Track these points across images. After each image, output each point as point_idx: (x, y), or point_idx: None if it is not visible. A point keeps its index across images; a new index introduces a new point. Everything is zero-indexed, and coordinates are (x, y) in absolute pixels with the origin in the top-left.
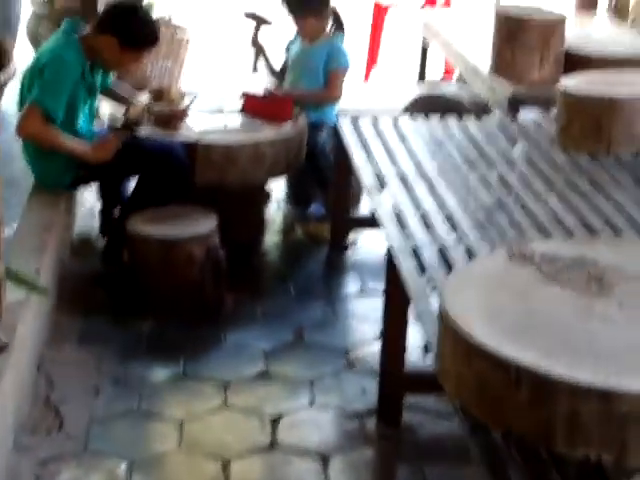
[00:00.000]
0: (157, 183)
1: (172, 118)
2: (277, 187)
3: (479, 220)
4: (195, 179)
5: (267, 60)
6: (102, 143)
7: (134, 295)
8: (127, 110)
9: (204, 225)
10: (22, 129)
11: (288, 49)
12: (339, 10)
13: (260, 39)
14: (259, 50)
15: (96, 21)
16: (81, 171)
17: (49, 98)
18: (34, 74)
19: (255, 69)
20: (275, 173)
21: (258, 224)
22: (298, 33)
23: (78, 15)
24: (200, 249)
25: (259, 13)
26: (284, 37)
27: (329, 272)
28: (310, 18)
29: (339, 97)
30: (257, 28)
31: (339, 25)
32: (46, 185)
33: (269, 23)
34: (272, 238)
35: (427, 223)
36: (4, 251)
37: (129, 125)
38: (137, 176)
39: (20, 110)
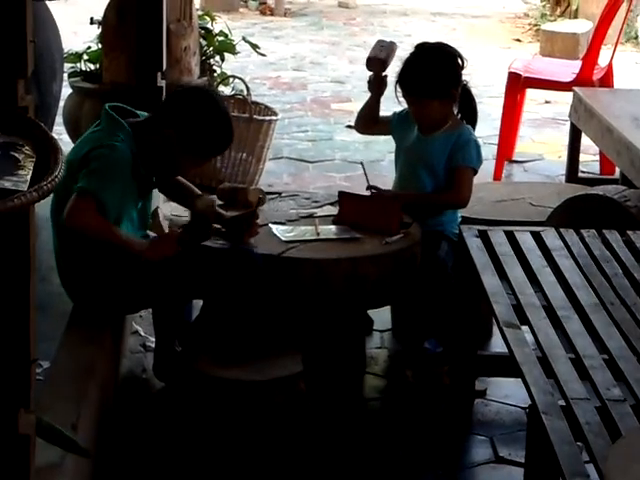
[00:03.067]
0: (229, 308)
1: (247, 225)
2: (380, 316)
3: None
4: (276, 302)
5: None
6: (162, 239)
7: (197, 452)
8: (195, 213)
9: (287, 365)
10: (72, 218)
11: (394, 122)
12: (471, 90)
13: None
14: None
15: (157, 107)
16: (130, 293)
17: (103, 189)
18: (74, 166)
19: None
20: (379, 298)
21: (356, 363)
22: (415, 119)
23: (130, 90)
24: (281, 396)
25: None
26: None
27: (449, 432)
28: (434, 101)
29: (466, 202)
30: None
31: (470, 111)
32: (86, 311)
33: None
34: (373, 382)
35: (583, 371)
36: (34, 399)
37: (196, 230)
38: (202, 299)
39: (55, 206)
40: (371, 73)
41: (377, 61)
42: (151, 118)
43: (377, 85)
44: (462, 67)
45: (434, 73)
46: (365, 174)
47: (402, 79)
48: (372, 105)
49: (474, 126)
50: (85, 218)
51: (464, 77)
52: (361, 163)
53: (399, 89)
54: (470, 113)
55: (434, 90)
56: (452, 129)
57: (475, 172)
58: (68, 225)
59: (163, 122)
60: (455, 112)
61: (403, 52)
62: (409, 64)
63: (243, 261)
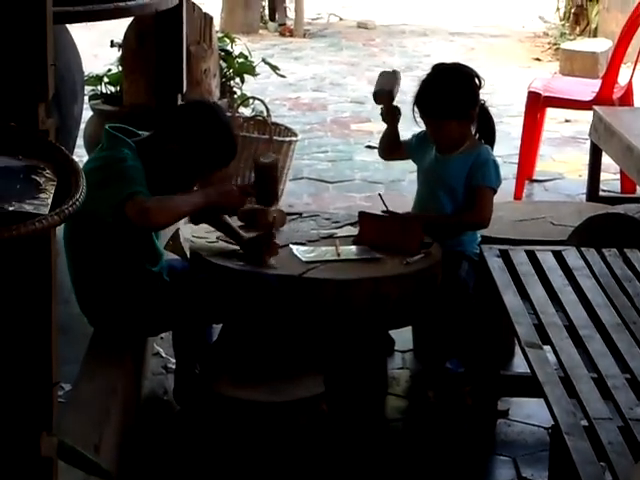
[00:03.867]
0: (247, 331)
1: (266, 245)
2: (402, 336)
3: None
4: (297, 324)
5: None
6: (227, 189)
7: (219, 475)
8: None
9: (309, 386)
10: (141, 221)
11: (413, 144)
12: (489, 109)
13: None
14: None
15: (160, 123)
16: (149, 317)
17: (140, 184)
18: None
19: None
20: (400, 318)
21: (377, 384)
22: (432, 140)
23: (150, 113)
24: (303, 417)
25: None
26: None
27: (471, 452)
28: (451, 122)
29: (488, 222)
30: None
31: (488, 130)
32: (106, 334)
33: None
34: (395, 403)
35: (605, 391)
36: (56, 422)
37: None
38: (221, 322)
39: (70, 230)
40: (381, 106)
41: (383, 93)
42: (154, 134)
43: (390, 116)
44: (480, 87)
45: (451, 94)
46: (384, 203)
47: (419, 100)
48: (390, 134)
49: (492, 146)
50: (149, 215)
51: (482, 97)
52: (379, 194)
53: (416, 110)
54: (488, 133)
55: (451, 111)
56: (470, 149)
57: (494, 192)
58: (143, 226)
59: (166, 137)
60: (473, 132)
61: (422, 72)
62: (426, 85)
63: (257, 284)
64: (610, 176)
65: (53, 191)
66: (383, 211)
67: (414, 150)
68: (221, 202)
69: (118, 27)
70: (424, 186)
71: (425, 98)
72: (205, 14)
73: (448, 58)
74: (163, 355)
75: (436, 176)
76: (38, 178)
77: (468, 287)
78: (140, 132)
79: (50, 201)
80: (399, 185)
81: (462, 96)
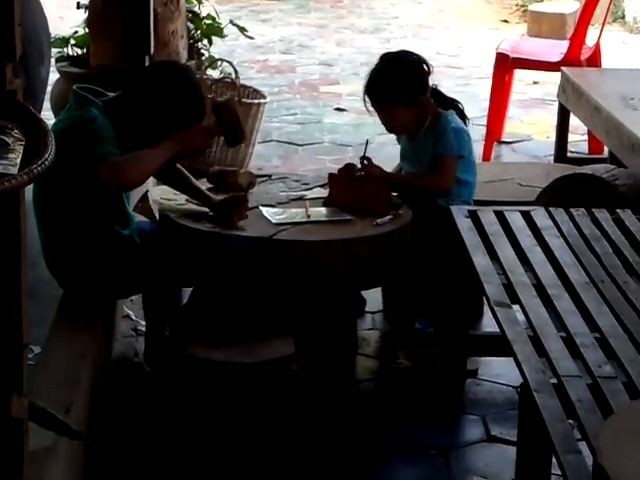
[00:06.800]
0: (217, 293)
1: (237, 208)
2: (371, 297)
3: None
4: (267, 286)
5: None
6: (192, 130)
7: (189, 435)
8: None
9: (279, 348)
10: (116, 182)
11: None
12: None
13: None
14: None
15: (128, 83)
16: (119, 280)
17: (112, 145)
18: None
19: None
20: (370, 279)
21: (347, 345)
22: (385, 127)
23: (118, 74)
24: (273, 378)
25: None
26: None
27: (441, 412)
28: (399, 108)
29: (447, 188)
30: None
31: (443, 101)
32: (76, 296)
33: None
34: (365, 363)
35: (574, 349)
36: (27, 384)
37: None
38: (191, 285)
39: (39, 191)
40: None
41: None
42: (122, 94)
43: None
44: (429, 72)
45: (398, 81)
46: (365, 150)
47: (368, 89)
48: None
49: (463, 115)
50: (124, 176)
51: (433, 81)
52: (366, 140)
53: (367, 99)
54: (445, 103)
55: (399, 97)
56: (432, 125)
57: (458, 157)
58: (118, 186)
59: (135, 97)
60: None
61: (390, 34)
62: (374, 74)
63: (228, 246)
64: (578, 137)
65: (22, 151)
66: (362, 157)
67: (399, 141)
68: (188, 146)
69: None
70: (403, 167)
71: (373, 86)
72: None
73: (416, 20)
74: (133, 318)
75: (410, 162)
76: (6, 138)
77: (441, 240)
78: (108, 93)
79: (19, 161)
80: (368, 147)
81: (409, 82)
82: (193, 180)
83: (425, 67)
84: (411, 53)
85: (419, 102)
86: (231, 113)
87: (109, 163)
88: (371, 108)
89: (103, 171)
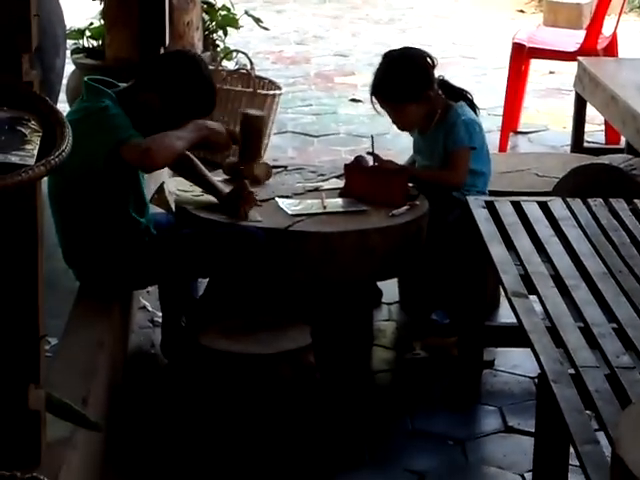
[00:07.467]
0: (234, 283)
1: (242, 198)
2: (388, 288)
3: None
4: (283, 277)
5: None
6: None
7: (205, 426)
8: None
9: (296, 338)
10: (145, 163)
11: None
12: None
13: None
14: None
15: (139, 73)
16: (135, 271)
17: (129, 128)
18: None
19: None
20: (386, 270)
21: (364, 336)
22: (396, 125)
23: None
24: (289, 368)
25: None
26: None
27: (457, 402)
28: (407, 105)
29: (461, 182)
30: None
31: (452, 92)
32: (93, 287)
33: None
34: (381, 354)
35: (592, 339)
36: (44, 375)
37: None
38: (207, 276)
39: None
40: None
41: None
42: (134, 84)
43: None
44: (433, 66)
45: (400, 79)
46: (372, 146)
47: (375, 90)
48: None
49: (473, 105)
50: (150, 154)
51: (439, 73)
52: (371, 137)
53: (375, 100)
54: (455, 95)
55: (405, 95)
56: (442, 118)
57: (470, 149)
58: (150, 168)
59: (146, 87)
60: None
61: (405, 25)
62: (378, 74)
63: (244, 237)
64: (595, 127)
65: (39, 142)
66: (368, 152)
67: (411, 134)
68: (210, 138)
69: None
70: (416, 161)
71: (379, 87)
72: None
73: (432, 10)
74: (150, 309)
75: (423, 156)
76: (23, 129)
77: (455, 232)
78: (119, 83)
79: (36, 152)
80: (383, 139)
81: (414, 79)
82: (205, 171)
83: (429, 61)
84: (414, 49)
85: (427, 97)
86: (257, 129)
87: (132, 144)
88: (380, 109)
89: (126, 152)
